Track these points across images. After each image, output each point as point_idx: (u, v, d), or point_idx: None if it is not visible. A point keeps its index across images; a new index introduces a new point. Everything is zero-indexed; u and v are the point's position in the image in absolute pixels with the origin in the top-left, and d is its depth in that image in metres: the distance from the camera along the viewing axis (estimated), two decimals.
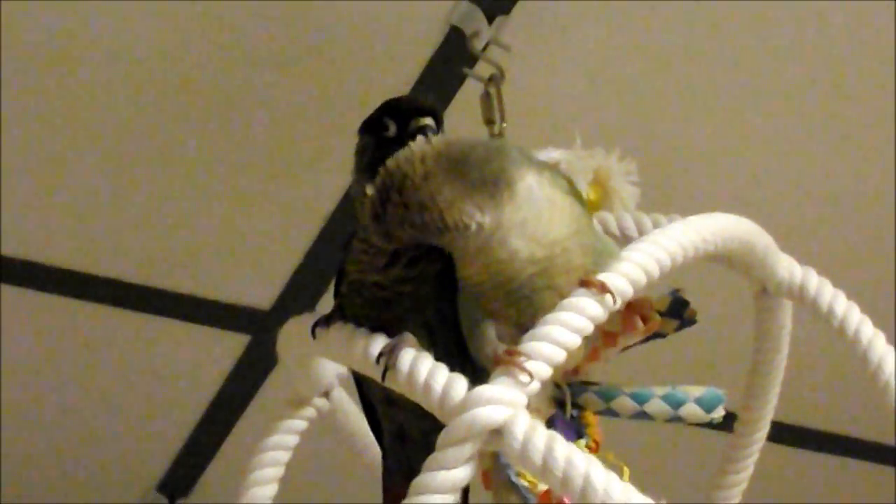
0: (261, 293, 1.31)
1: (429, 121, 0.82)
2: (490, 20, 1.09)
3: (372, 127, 0.84)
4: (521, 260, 0.78)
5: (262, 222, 1.25)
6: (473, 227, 0.76)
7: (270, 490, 0.93)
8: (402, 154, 0.77)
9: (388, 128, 0.83)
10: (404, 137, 0.81)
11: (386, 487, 0.89)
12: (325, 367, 0.94)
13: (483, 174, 0.76)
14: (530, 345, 0.74)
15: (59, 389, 1.38)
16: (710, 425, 1.28)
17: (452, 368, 0.76)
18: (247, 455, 0.95)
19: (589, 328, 0.76)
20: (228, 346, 1.35)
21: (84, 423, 1.42)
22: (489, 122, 1.04)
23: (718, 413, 0.92)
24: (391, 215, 0.76)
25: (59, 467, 1.47)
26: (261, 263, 1.29)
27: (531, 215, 0.78)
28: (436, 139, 0.79)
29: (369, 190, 0.79)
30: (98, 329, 1.32)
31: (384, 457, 0.89)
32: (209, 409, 1.41)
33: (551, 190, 0.79)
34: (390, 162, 0.77)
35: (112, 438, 1.44)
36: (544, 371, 0.74)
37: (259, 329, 1.33)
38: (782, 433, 1.47)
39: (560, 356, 0.75)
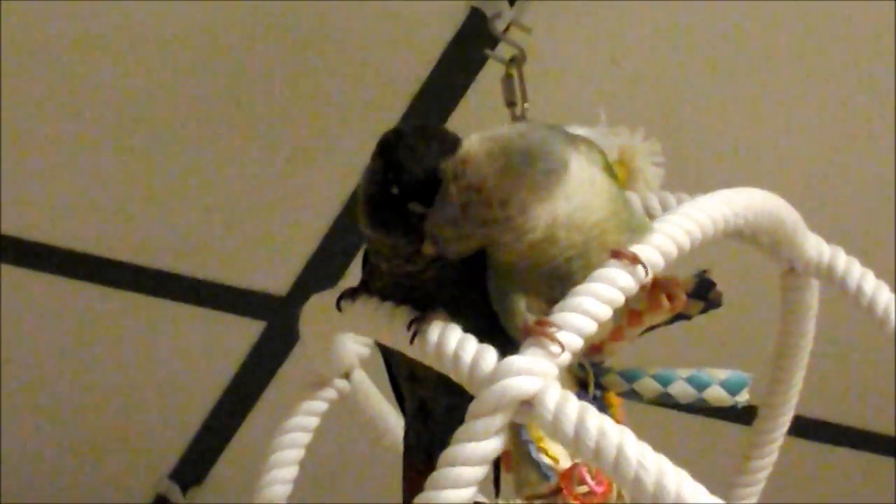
0: (277, 279, 1.30)
1: (419, 208, 0.77)
2: (511, 2, 1.08)
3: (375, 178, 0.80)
4: (561, 247, 0.78)
5: (279, 207, 1.24)
6: (542, 223, 0.76)
7: (290, 472, 0.93)
8: (464, 159, 0.76)
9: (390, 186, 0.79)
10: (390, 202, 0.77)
11: (407, 465, 0.88)
12: (345, 348, 0.94)
13: (547, 167, 0.76)
14: (561, 315, 0.74)
15: (71, 375, 1.37)
16: (731, 415, 1.28)
17: (481, 340, 0.75)
18: (261, 444, 0.95)
19: (620, 299, 0.75)
20: (244, 333, 1.35)
21: (96, 410, 1.41)
22: (511, 103, 1.03)
23: (743, 396, 0.91)
24: (470, 220, 0.75)
25: (70, 455, 1.46)
26: (277, 249, 1.28)
27: (579, 202, 0.77)
28: (485, 138, 0.77)
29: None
30: (111, 314, 1.32)
31: (406, 433, 0.88)
32: (223, 396, 1.40)
33: (590, 169, 0.78)
34: (451, 167, 0.76)
35: (125, 426, 1.43)
36: (575, 342, 0.74)
37: (275, 315, 1.33)
38: (819, 430, 1.48)
39: (591, 327, 0.74)
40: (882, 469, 1.56)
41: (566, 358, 0.73)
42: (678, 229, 0.79)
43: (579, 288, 0.75)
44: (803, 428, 1.50)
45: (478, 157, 0.76)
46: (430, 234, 0.77)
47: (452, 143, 0.78)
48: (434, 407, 0.85)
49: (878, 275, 0.94)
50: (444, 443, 0.76)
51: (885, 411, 1.48)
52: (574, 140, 0.79)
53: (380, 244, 0.80)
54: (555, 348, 0.73)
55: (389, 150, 0.77)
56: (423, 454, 0.86)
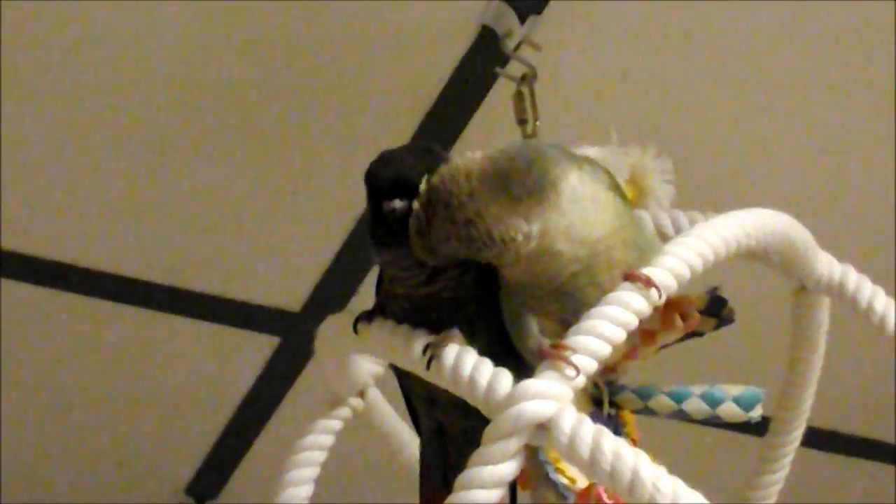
0: (291, 295, 1.31)
1: (396, 203, 0.79)
2: (522, 20, 1.09)
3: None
4: (565, 261, 0.78)
5: (293, 223, 1.25)
6: (520, 238, 0.77)
7: (306, 490, 0.93)
8: (446, 171, 0.78)
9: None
10: (379, 217, 0.80)
11: (423, 482, 0.88)
12: (360, 366, 0.94)
13: (527, 184, 0.76)
14: (576, 339, 0.74)
15: (87, 391, 1.38)
16: (744, 428, 1.28)
17: (496, 364, 0.76)
18: (276, 458, 0.95)
19: (634, 322, 0.76)
20: (258, 348, 1.35)
21: (112, 425, 1.42)
22: (522, 121, 1.03)
23: (757, 412, 0.91)
24: (437, 231, 0.77)
25: (87, 470, 1.47)
26: (291, 265, 1.29)
27: (576, 218, 0.77)
28: (477, 154, 0.79)
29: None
30: (126, 330, 1.32)
31: (422, 451, 0.88)
32: (238, 411, 1.41)
33: (594, 186, 0.79)
34: (435, 178, 0.78)
35: (140, 441, 1.44)
36: (590, 365, 0.74)
37: (289, 331, 1.33)
38: (831, 441, 1.48)
39: (606, 350, 0.75)
40: (883, 477, 1.56)
41: (581, 381, 0.74)
42: (691, 252, 0.79)
43: (593, 311, 0.75)
44: (808, 437, 1.51)
45: (455, 173, 0.77)
46: (412, 240, 0.78)
47: (436, 157, 0.80)
48: (451, 429, 0.85)
49: (889, 292, 0.95)
50: (460, 464, 0.76)
51: (885, 419, 1.49)
52: (577, 159, 0.80)
53: (393, 268, 0.81)
54: (570, 372, 0.73)
55: (371, 166, 0.81)
56: (439, 474, 0.87)
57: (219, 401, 1.40)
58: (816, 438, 1.50)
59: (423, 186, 0.78)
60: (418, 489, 0.89)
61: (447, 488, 0.80)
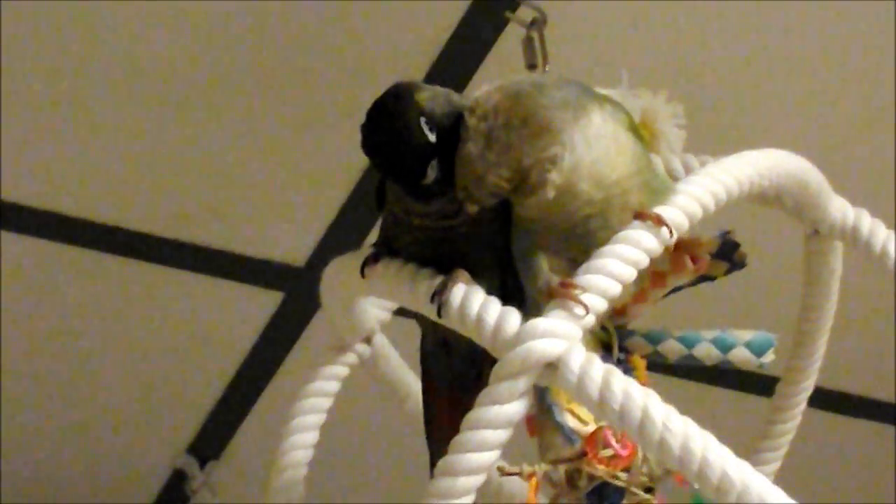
0: (295, 249, 1.29)
1: (431, 171, 0.75)
2: None
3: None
4: (581, 202, 0.77)
5: (297, 177, 1.24)
6: (561, 159, 0.74)
7: (311, 437, 0.92)
8: (477, 108, 0.75)
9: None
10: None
11: (427, 393, 0.87)
12: (366, 312, 0.93)
13: (558, 109, 0.75)
14: (585, 277, 0.73)
15: (86, 346, 1.37)
16: (753, 387, 1.26)
17: (505, 303, 0.74)
18: (278, 417, 0.94)
19: (644, 261, 0.75)
20: (262, 304, 1.34)
21: (112, 383, 1.41)
22: (532, 66, 1.02)
23: (768, 357, 0.90)
24: (484, 169, 0.74)
25: (86, 429, 1.46)
26: (295, 219, 1.27)
27: (600, 154, 0.76)
28: (493, 87, 0.77)
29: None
30: (127, 284, 1.31)
31: (425, 359, 0.87)
32: (241, 368, 1.40)
33: (615, 125, 0.77)
34: (470, 119, 0.75)
35: (141, 399, 1.43)
36: (600, 304, 0.73)
37: (293, 286, 1.32)
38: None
39: (615, 289, 0.73)
40: (883, 437, 1.55)
41: (590, 320, 0.73)
42: (703, 190, 0.78)
43: (603, 249, 0.74)
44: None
45: (490, 93, 0.76)
46: (461, 186, 0.75)
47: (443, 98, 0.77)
48: (457, 344, 0.83)
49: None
50: (467, 373, 0.79)
51: (886, 379, 1.47)
52: (597, 95, 0.78)
53: (411, 204, 0.79)
54: (579, 310, 0.72)
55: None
56: (445, 383, 0.86)
57: (221, 358, 1.39)
58: (816, 398, 1.50)
59: (467, 124, 0.75)
60: (422, 397, 0.88)
61: (453, 397, 0.82)
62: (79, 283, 1.31)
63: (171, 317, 1.35)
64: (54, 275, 1.29)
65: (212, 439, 1.47)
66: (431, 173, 0.75)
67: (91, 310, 1.33)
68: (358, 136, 1.19)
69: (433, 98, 0.77)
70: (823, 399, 1.49)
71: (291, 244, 1.29)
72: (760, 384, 1.21)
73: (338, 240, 1.28)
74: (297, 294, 1.32)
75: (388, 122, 0.76)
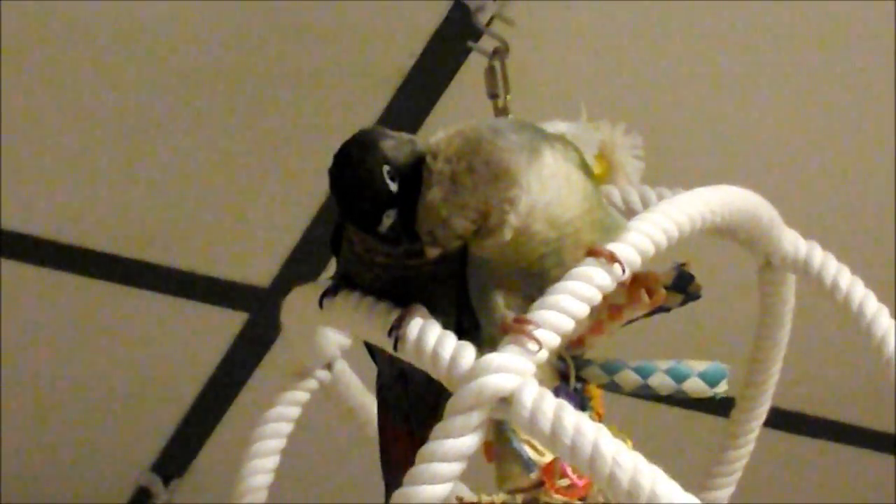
0: (260, 270, 1.30)
1: (387, 219, 0.77)
2: None
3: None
4: (536, 242, 0.78)
5: (262, 199, 1.25)
6: (519, 201, 0.76)
7: (272, 461, 0.93)
8: (440, 152, 0.76)
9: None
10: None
11: (383, 426, 0.88)
12: (328, 338, 0.94)
13: (514, 154, 0.76)
14: (539, 313, 0.74)
15: (50, 366, 1.37)
16: (709, 407, 1.28)
17: (461, 338, 0.75)
18: (242, 436, 0.95)
19: (597, 297, 0.76)
20: (226, 324, 1.35)
21: (77, 401, 1.41)
22: (493, 95, 1.03)
23: (722, 388, 0.92)
24: (446, 214, 0.75)
25: (50, 446, 1.46)
26: (260, 240, 1.28)
27: (553, 196, 0.77)
28: (450, 132, 0.78)
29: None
30: (93, 305, 1.32)
31: (381, 391, 0.87)
32: (205, 388, 1.40)
33: (566, 165, 0.79)
34: (432, 164, 0.76)
35: (106, 417, 1.43)
36: (553, 340, 0.74)
37: (258, 307, 1.33)
38: (784, 419, 1.48)
39: (569, 325, 0.75)
40: (882, 467, 1.57)
41: (544, 355, 0.74)
42: (655, 228, 0.79)
43: (557, 286, 0.75)
44: (808, 426, 1.51)
45: (451, 137, 0.77)
46: (425, 231, 0.77)
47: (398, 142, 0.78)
48: (414, 375, 0.84)
49: (856, 270, 0.95)
50: (423, 406, 0.80)
51: (886, 409, 1.49)
52: (548, 136, 0.80)
53: (376, 245, 0.80)
54: (532, 346, 0.73)
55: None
56: (401, 415, 0.87)
57: (186, 377, 1.40)
58: (816, 428, 1.52)
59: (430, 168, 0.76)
60: (377, 430, 0.88)
61: (409, 428, 0.84)
62: (42, 302, 1.31)
63: (136, 336, 1.35)
64: (19, 295, 1.29)
65: (176, 457, 1.48)
66: (387, 220, 0.76)
67: (55, 329, 1.34)
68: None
69: (397, 147, 0.78)
70: (824, 429, 1.52)
71: (256, 265, 1.30)
72: (718, 405, 1.23)
73: (302, 261, 1.29)
74: (262, 315, 1.33)
75: (350, 170, 0.77)
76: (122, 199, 1.23)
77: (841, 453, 1.56)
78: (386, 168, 0.77)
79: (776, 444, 1.49)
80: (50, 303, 1.31)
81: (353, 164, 0.77)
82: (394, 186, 0.77)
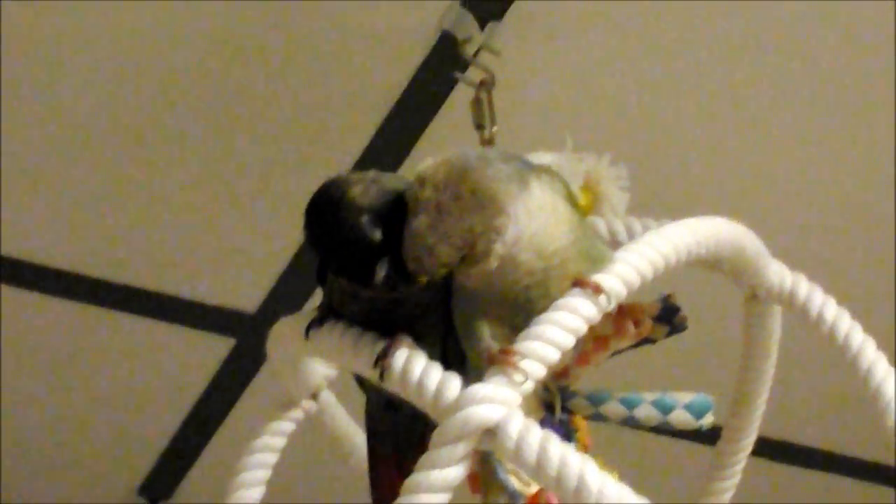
0: (247, 296, 1.31)
1: (380, 272, 0.75)
2: (482, 25, 1.09)
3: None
4: (522, 272, 0.78)
5: (249, 224, 1.25)
6: (507, 230, 0.76)
7: (258, 492, 0.93)
8: (423, 171, 0.76)
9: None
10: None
11: (372, 456, 0.87)
12: (313, 369, 0.94)
13: (502, 183, 0.76)
14: (525, 344, 0.74)
15: (39, 390, 1.37)
16: (696, 436, 1.28)
17: (448, 369, 0.76)
18: (229, 459, 0.95)
19: (583, 328, 0.76)
20: (213, 349, 1.35)
21: (65, 424, 1.41)
22: (479, 126, 1.03)
23: (707, 420, 0.92)
24: (433, 245, 0.75)
25: (39, 469, 1.46)
26: (247, 266, 1.28)
27: (539, 226, 0.77)
28: (436, 161, 0.78)
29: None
30: (80, 329, 1.32)
31: (370, 418, 0.87)
32: (192, 412, 1.41)
33: (553, 196, 0.79)
34: (420, 193, 0.75)
35: (93, 441, 1.43)
36: (538, 371, 0.74)
37: (244, 332, 1.33)
38: (784, 452, 1.49)
39: (554, 356, 0.75)
40: (873, 496, 1.58)
41: (529, 387, 0.74)
42: (641, 259, 0.79)
43: (543, 317, 0.76)
44: (797, 456, 1.52)
45: (438, 165, 0.77)
46: (412, 257, 0.76)
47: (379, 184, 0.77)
48: (402, 404, 0.83)
49: (844, 301, 0.95)
50: (412, 435, 0.80)
51: (875, 439, 1.49)
52: (535, 167, 0.80)
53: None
54: (518, 377, 0.73)
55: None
56: (390, 444, 0.86)
57: (173, 402, 1.40)
58: (815, 459, 1.52)
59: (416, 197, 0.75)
60: (367, 459, 0.88)
61: (397, 458, 0.84)
62: (28, 326, 1.31)
63: (123, 360, 1.36)
64: (4, 319, 1.30)
65: (162, 481, 1.48)
66: (381, 271, 0.75)
67: (41, 353, 1.34)
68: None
69: (365, 191, 0.75)
70: (813, 458, 1.52)
71: (243, 291, 1.31)
72: (705, 434, 1.23)
73: (289, 287, 1.29)
74: (249, 340, 1.33)
75: (328, 230, 0.75)
76: (110, 224, 1.23)
77: (830, 482, 1.56)
78: (364, 219, 0.74)
79: (764, 473, 1.49)
80: (36, 327, 1.31)
81: (329, 225, 0.75)
82: (378, 234, 0.74)
